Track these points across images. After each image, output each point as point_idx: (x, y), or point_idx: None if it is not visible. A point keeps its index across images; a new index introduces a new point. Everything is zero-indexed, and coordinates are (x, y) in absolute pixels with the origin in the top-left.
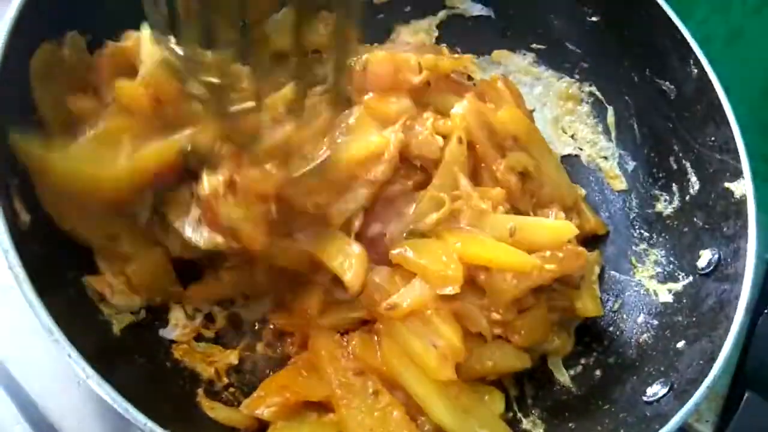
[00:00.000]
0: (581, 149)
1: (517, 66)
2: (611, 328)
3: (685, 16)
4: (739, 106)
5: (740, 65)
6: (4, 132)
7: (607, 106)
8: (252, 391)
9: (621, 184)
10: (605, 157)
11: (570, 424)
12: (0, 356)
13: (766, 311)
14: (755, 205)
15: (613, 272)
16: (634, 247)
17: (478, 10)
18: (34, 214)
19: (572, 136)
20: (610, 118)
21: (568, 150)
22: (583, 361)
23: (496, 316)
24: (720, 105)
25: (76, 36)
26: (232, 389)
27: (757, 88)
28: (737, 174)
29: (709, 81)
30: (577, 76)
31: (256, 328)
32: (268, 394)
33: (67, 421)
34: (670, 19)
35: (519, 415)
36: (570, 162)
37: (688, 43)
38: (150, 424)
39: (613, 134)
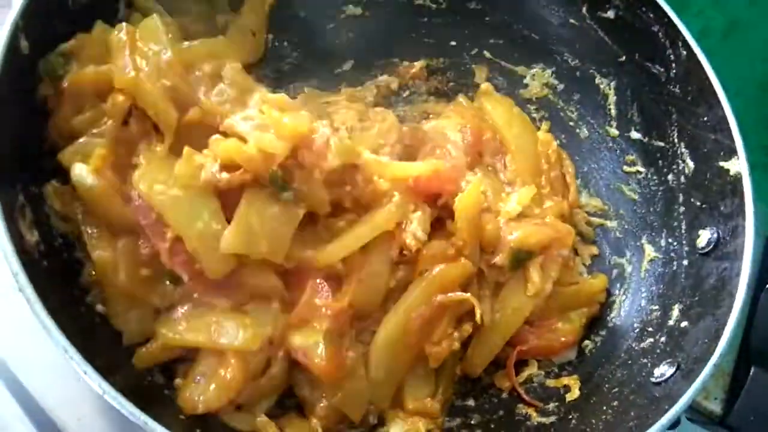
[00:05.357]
0: None
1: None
2: (615, 313)
3: (681, 9)
4: (738, 98)
5: (738, 57)
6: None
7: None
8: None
9: None
10: None
11: (579, 409)
12: (0, 354)
13: (767, 287)
14: (751, 182)
15: (614, 257)
16: (634, 231)
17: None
18: (40, 233)
19: None
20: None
21: None
22: (589, 345)
23: None
24: (711, 85)
25: None
26: None
27: (755, 80)
28: (731, 152)
29: (699, 62)
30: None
31: None
32: None
33: (68, 416)
34: (657, 3)
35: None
36: None
37: (675, 26)
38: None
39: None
